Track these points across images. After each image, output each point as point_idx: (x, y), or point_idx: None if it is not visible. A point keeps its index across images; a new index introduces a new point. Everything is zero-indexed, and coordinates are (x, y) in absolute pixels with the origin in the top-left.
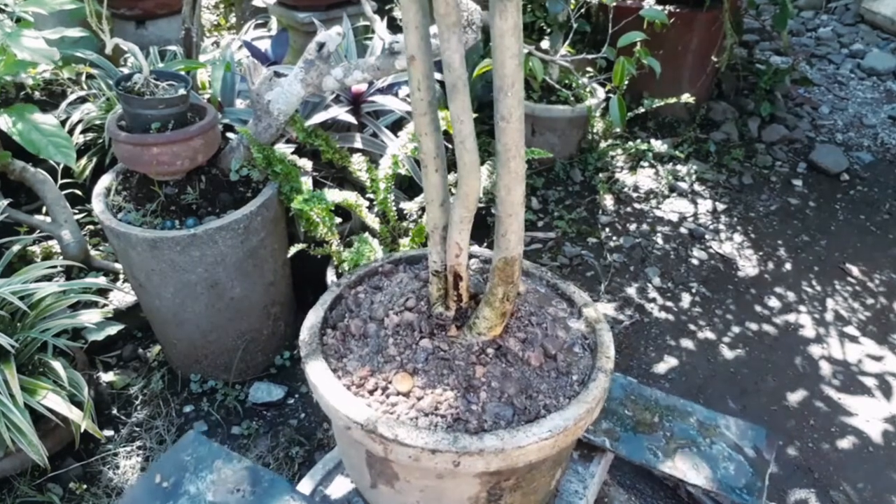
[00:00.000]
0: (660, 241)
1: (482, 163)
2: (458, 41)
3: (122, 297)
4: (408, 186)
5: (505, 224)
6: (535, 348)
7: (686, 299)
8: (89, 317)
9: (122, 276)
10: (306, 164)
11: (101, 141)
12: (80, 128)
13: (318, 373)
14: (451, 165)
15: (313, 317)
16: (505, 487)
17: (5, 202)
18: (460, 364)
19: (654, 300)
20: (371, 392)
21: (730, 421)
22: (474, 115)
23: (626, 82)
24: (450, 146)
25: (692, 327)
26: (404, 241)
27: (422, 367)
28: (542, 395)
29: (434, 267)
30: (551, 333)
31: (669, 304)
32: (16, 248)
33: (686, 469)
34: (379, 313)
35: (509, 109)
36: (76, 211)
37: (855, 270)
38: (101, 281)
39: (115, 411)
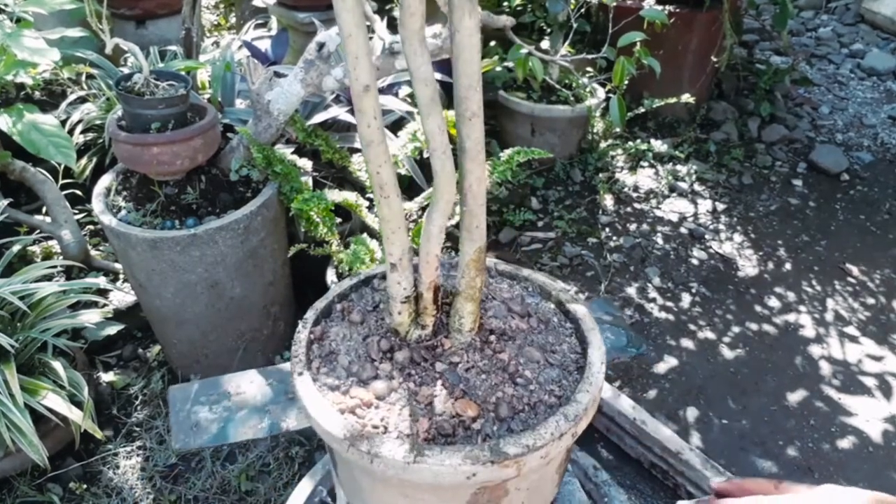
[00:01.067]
0: (660, 241)
1: None
2: (428, 55)
3: (122, 297)
4: (408, 186)
5: (478, 215)
6: (510, 316)
7: (686, 299)
8: (89, 317)
9: (122, 276)
10: (306, 164)
11: (101, 141)
12: (80, 128)
13: (388, 448)
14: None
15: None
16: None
17: (5, 202)
18: (486, 363)
19: (654, 300)
20: (453, 434)
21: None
22: None
23: (626, 82)
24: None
25: (692, 327)
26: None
27: (463, 386)
28: (556, 345)
29: (404, 294)
30: (501, 298)
31: (669, 304)
32: (16, 248)
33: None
34: (367, 373)
35: (478, 104)
36: (76, 211)
37: (855, 270)
38: (101, 281)
39: (115, 411)
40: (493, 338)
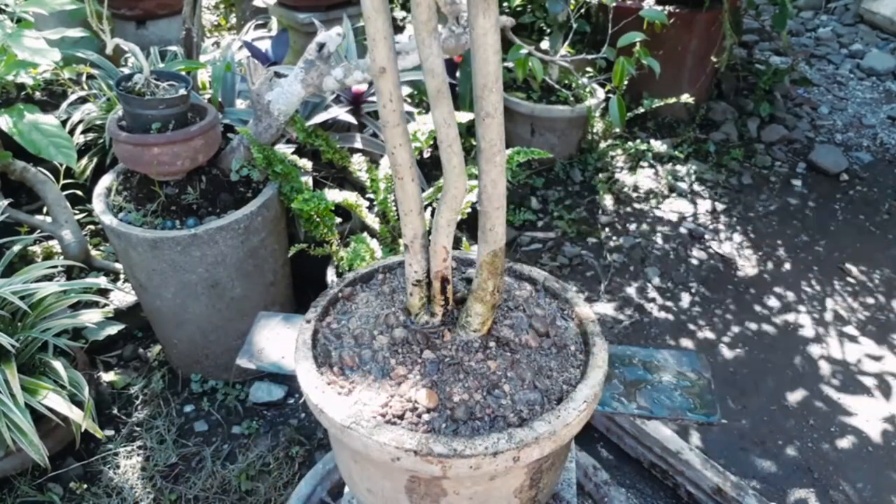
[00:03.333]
0: (659, 241)
1: None
2: (438, 46)
3: (123, 296)
4: None
5: (493, 217)
6: (526, 331)
7: (685, 299)
8: (90, 317)
9: (122, 276)
10: (306, 164)
11: (101, 141)
12: (80, 128)
13: (333, 406)
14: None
15: (305, 365)
16: (543, 469)
17: (6, 202)
18: (471, 365)
19: (653, 300)
20: (400, 417)
21: (664, 353)
22: (472, 116)
23: (626, 82)
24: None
25: (692, 327)
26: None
27: (437, 378)
28: (555, 372)
29: (416, 277)
30: (532, 313)
31: (669, 303)
32: (17, 248)
33: (650, 405)
34: (365, 338)
35: (494, 105)
36: (77, 211)
37: (854, 270)
38: (102, 281)
39: (115, 411)
40: (493, 344)
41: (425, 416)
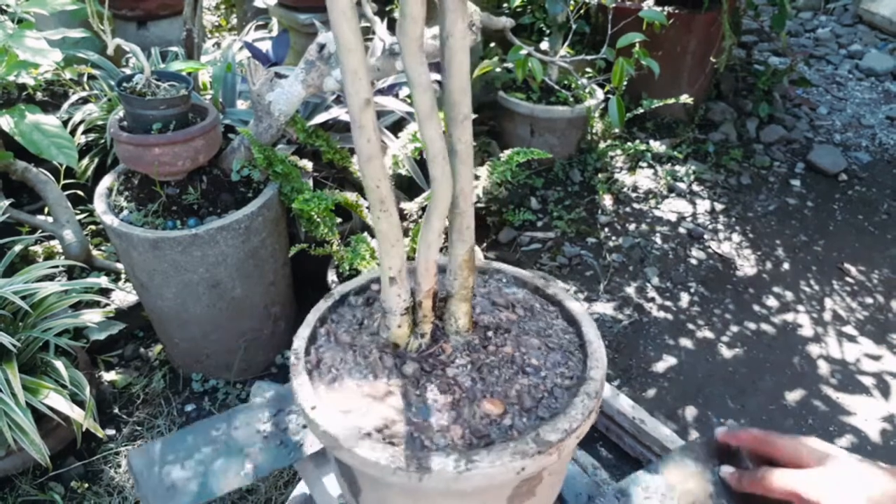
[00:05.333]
0: (658, 241)
1: (482, 163)
2: (425, 62)
3: (124, 296)
4: (408, 186)
5: (468, 216)
6: (497, 309)
7: (685, 299)
8: (91, 316)
9: (123, 276)
10: (307, 164)
11: (102, 141)
12: (81, 128)
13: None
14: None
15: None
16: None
17: (7, 202)
18: (493, 360)
19: (652, 300)
20: (485, 435)
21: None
22: (474, 116)
23: (625, 83)
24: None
25: (691, 327)
26: (405, 240)
27: (480, 386)
28: (550, 330)
29: (404, 305)
30: (486, 291)
31: (668, 303)
32: (18, 247)
33: None
34: (379, 392)
35: (468, 107)
36: (78, 211)
37: (853, 270)
38: (103, 281)
39: (116, 410)
40: (490, 333)
41: (506, 421)
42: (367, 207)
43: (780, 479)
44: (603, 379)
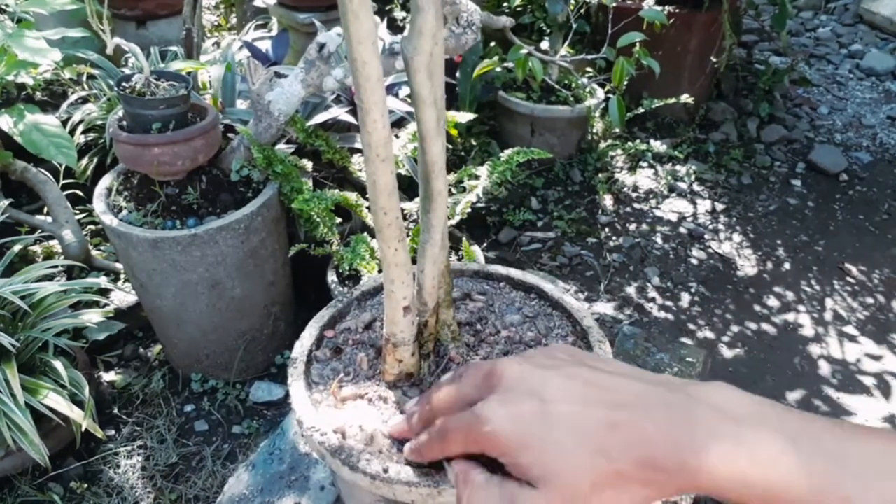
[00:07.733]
0: (659, 240)
1: (482, 163)
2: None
3: (123, 296)
4: (408, 186)
5: (444, 224)
6: (464, 304)
7: (685, 299)
8: (90, 316)
9: (123, 276)
10: (307, 164)
11: (102, 141)
12: (81, 128)
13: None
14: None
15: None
16: None
17: (6, 202)
18: (501, 347)
19: (653, 300)
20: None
21: None
22: (474, 116)
23: (626, 83)
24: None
25: (691, 327)
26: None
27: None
28: (515, 302)
29: (416, 331)
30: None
31: (669, 303)
32: (17, 247)
33: None
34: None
35: (443, 111)
36: (77, 211)
37: (854, 270)
38: (102, 281)
39: (115, 410)
40: (479, 327)
41: None
42: (367, 207)
43: (454, 426)
44: (596, 326)
